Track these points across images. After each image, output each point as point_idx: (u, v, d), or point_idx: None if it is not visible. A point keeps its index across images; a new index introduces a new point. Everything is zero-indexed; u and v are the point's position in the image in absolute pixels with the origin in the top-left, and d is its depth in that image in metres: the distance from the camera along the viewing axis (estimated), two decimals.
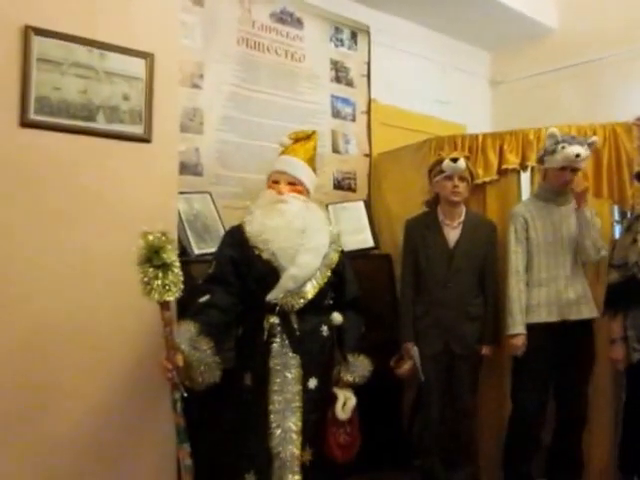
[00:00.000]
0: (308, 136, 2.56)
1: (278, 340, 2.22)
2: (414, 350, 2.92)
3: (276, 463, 2.17)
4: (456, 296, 2.93)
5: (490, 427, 3.14)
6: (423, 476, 3.02)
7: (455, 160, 2.91)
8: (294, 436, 2.18)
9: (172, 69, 2.51)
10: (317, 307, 2.31)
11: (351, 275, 2.49)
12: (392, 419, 3.31)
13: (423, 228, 3.04)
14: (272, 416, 2.18)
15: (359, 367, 2.34)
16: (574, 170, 2.83)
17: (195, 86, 3.22)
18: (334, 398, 2.29)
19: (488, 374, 3.08)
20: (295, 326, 2.24)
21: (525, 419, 2.89)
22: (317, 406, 2.26)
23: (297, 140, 2.53)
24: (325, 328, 2.33)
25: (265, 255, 2.25)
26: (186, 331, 2.06)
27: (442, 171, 2.94)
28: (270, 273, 2.24)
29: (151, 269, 1.89)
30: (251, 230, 2.30)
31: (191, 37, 3.20)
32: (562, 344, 2.83)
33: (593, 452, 3.01)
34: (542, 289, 2.87)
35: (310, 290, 2.27)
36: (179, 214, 2.75)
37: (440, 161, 2.97)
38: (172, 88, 2.52)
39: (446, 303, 2.92)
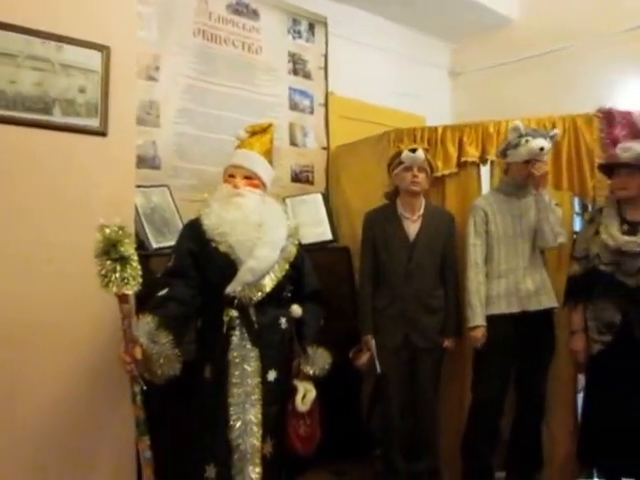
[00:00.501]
0: (264, 129, 2.56)
1: (237, 333, 2.23)
2: (372, 342, 2.94)
3: (236, 455, 2.18)
4: (417, 289, 2.94)
5: (451, 418, 3.16)
6: (384, 467, 3.05)
7: (414, 151, 2.92)
8: (254, 428, 2.20)
9: (129, 62, 2.50)
10: (276, 300, 2.33)
11: (309, 268, 2.51)
12: (352, 410, 3.33)
13: (383, 221, 3.04)
14: (232, 408, 2.19)
15: (319, 360, 2.36)
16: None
17: (151, 78, 3.19)
18: (294, 390, 2.31)
19: (449, 366, 3.10)
20: (254, 319, 2.26)
21: (485, 410, 2.90)
22: (277, 398, 2.28)
23: (253, 133, 2.52)
24: (284, 321, 2.34)
25: (223, 248, 2.26)
26: (145, 324, 2.06)
27: (401, 163, 2.95)
28: (228, 266, 2.25)
29: (109, 262, 1.91)
30: (209, 223, 2.29)
31: (147, 29, 3.16)
32: (522, 335, 2.85)
33: (554, 442, 3.05)
34: (501, 280, 2.88)
35: (268, 283, 2.28)
36: (136, 208, 2.74)
37: (399, 153, 2.98)
38: (129, 81, 2.51)
39: (407, 296, 2.93)
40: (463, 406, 3.08)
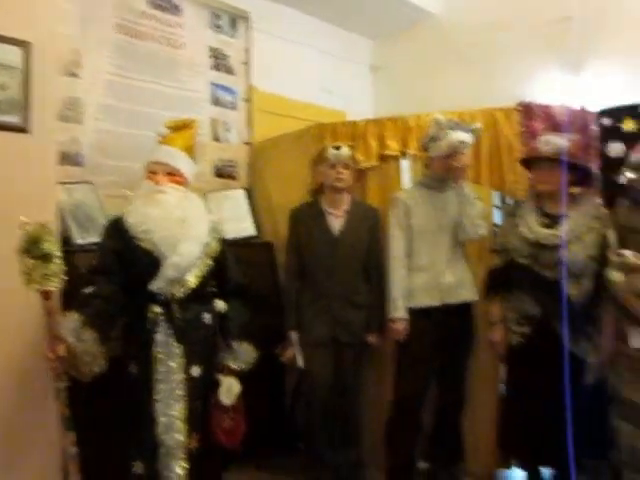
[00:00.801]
0: (186, 124, 2.57)
1: (161, 329, 2.26)
2: (294, 338, 2.98)
3: (162, 450, 2.22)
4: (341, 285, 2.96)
5: (373, 410, 3.20)
6: (307, 459, 3.09)
7: (338, 148, 2.96)
8: (179, 424, 2.23)
9: (50, 57, 2.48)
10: (199, 295, 2.35)
11: (232, 263, 2.54)
12: (276, 404, 3.38)
13: (307, 217, 3.05)
14: (157, 405, 2.22)
15: (243, 354, 2.42)
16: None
17: (73, 75, 3.16)
18: (218, 384, 2.35)
19: (372, 359, 3.14)
20: (177, 315, 2.28)
21: (406, 402, 2.91)
22: (202, 393, 2.32)
23: (175, 129, 2.52)
24: (207, 316, 2.37)
25: (146, 245, 2.28)
26: (70, 322, 2.09)
27: (325, 159, 2.98)
28: (152, 263, 2.27)
29: (31, 260, 1.94)
30: (132, 221, 2.31)
31: (68, 24, 3.11)
32: (443, 328, 2.86)
33: (476, 432, 3.08)
34: (422, 274, 2.89)
35: (192, 279, 2.32)
36: (60, 204, 2.72)
37: (324, 150, 3.01)
38: (50, 77, 2.50)
39: (332, 292, 2.95)
40: (385, 399, 3.10)
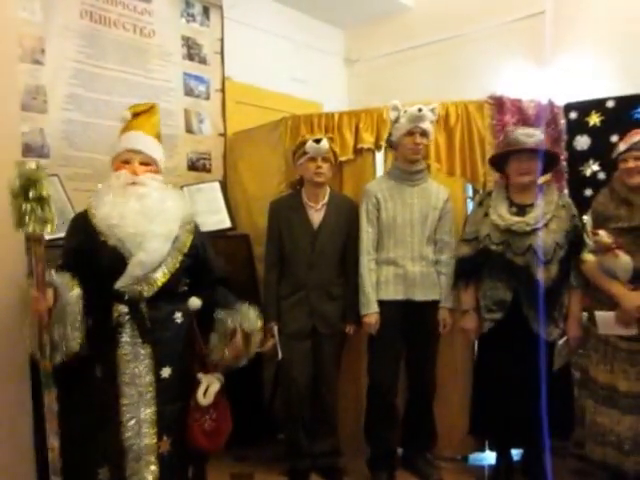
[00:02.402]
0: (150, 108, 2.39)
1: (127, 330, 2.14)
2: (275, 330, 2.96)
3: (130, 455, 2.11)
4: (320, 277, 2.97)
5: (349, 400, 3.23)
6: (287, 449, 3.09)
7: (318, 141, 2.91)
8: (148, 428, 2.13)
9: (10, 44, 2.39)
10: (170, 294, 2.23)
11: (212, 254, 2.42)
12: (253, 395, 3.34)
13: (287, 210, 3.04)
14: (124, 408, 2.11)
15: (250, 318, 2.32)
16: (423, 135, 2.90)
17: (36, 62, 3.03)
18: (197, 384, 2.23)
19: (348, 350, 3.15)
20: (145, 315, 2.16)
21: (380, 391, 2.98)
22: (175, 395, 2.21)
23: (138, 114, 2.35)
24: (179, 315, 2.25)
25: (111, 242, 2.14)
26: (61, 276, 2.04)
27: (305, 153, 2.93)
28: (117, 260, 2.13)
29: (27, 202, 1.87)
30: (97, 215, 2.17)
31: (30, 9, 2.99)
32: (410, 320, 2.95)
33: (450, 418, 3.16)
34: (390, 268, 2.95)
35: (160, 277, 2.18)
36: None
37: (303, 143, 2.96)
38: (11, 64, 2.41)
39: (310, 284, 2.96)
40: (361, 389, 3.16)
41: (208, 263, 2.39)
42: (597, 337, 2.63)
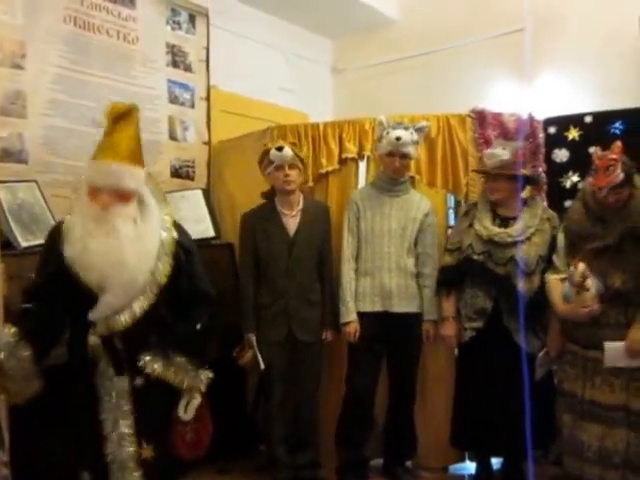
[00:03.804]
0: (128, 114, 2.10)
1: (103, 359, 2.09)
2: (253, 340, 2.94)
3: (114, 466, 2.08)
4: (297, 284, 2.96)
5: (330, 411, 3.17)
6: (269, 461, 3.07)
7: (280, 149, 2.89)
8: (129, 437, 2.09)
9: None
10: (146, 324, 2.11)
11: (197, 270, 2.28)
12: (236, 406, 3.32)
13: (262, 220, 3.02)
14: (104, 422, 2.08)
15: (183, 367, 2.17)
16: (403, 157, 2.92)
17: (17, 66, 3.00)
18: (179, 397, 2.19)
19: (327, 359, 3.14)
20: (119, 347, 2.10)
21: (356, 401, 2.98)
22: (152, 403, 2.16)
23: (116, 120, 2.07)
24: (155, 339, 2.14)
25: (83, 277, 2.03)
26: (5, 336, 1.94)
27: (271, 162, 2.92)
28: (89, 294, 2.04)
29: None
30: (69, 251, 2.04)
31: (11, 13, 2.96)
32: (389, 331, 2.96)
33: (432, 428, 3.17)
34: (367, 278, 2.97)
35: (132, 313, 2.07)
36: (1, 204, 2.58)
37: (267, 152, 2.95)
38: None
39: (289, 292, 2.94)
40: (341, 398, 3.11)
41: (189, 280, 2.25)
42: (575, 352, 2.61)
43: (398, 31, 4.75)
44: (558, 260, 2.63)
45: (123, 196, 2.05)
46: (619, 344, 2.45)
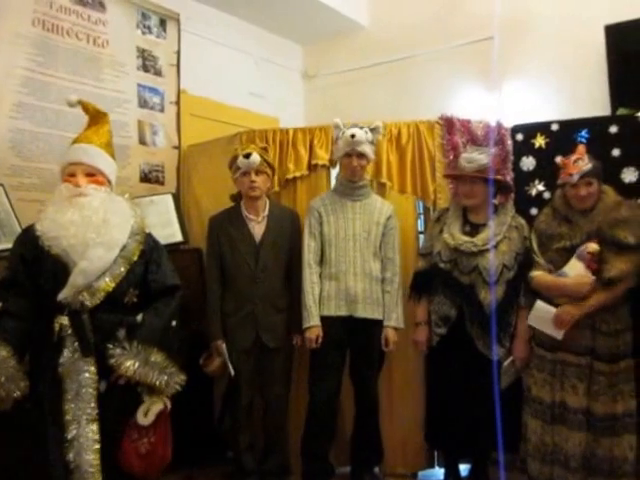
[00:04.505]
0: (99, 115, 2.39)
1: (69, 343, 2.08)
2: (222, 347, 2.91)
3: (75, 475, 2.04)
4: (265, 290, 2.94)
5: (301, 417, 3.14)
6: (235, 468, 3.05)
7: (248, 156, 2.87)
8: (92, 444, 2.05)
9: None
10: (115, 306, 2.17)
11: (164, 263, 2.35)
12: (203, 414, 3.29)
13: (228, 224, 3.00)
14: (67, 426, 2.05)
15: (154, 366, 2.15)
16: (360, 157, 2.91)
17: None
18: (139, 401, 2.17)
19: (299, 365, 3.13)
20: (87, 327, 2.10)
21: (318, 408, 2.94)
22: (115, 410, 2.15)
23: (93, 118, 2.37)
24: (122, 333, 2.16)
25: (55, 252, 2.11)
26: None
27: (239, 167, 2.92)
28: (61, 271, 2.10)
29: None
30: (42, 228, 2.14)
31: None
32: (353, 336, 2.94)
33: (401, 433, 3.17)
34: (332, 283, 2.94)
35: (104, 286, 2.12)
36: None
37: (235, 157, 2.94)
38: None
39: (256, 298, 2.92)
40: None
41: (156, 271, 2.31)
42: (542, 356, 2.66)
43: (368, 38, 4.77)
44: (538, 258, 2.67)
45: (96, 180, 2.22)
46: (551, 308, 2.57)
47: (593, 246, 2.51)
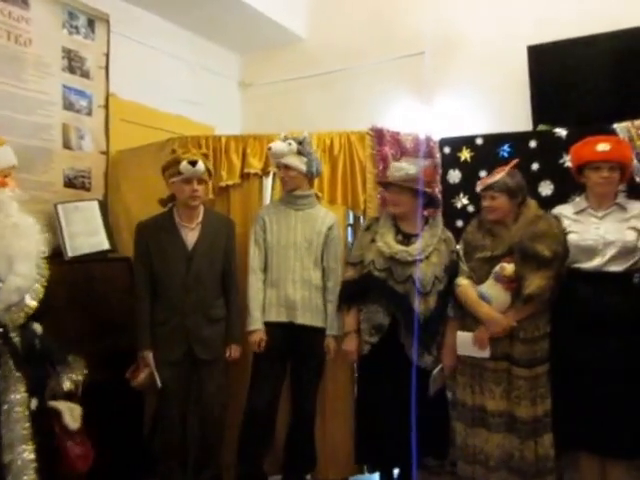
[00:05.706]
0: None
1: (1, 361, 1.99)
2: (150, 357, 2.81)
3: None
4: (197, 300, 2.86)
5: (234, 426, 3.10)
6: None
7: (194, 163, 2.79)
8: (30, 464, 1.97)
9: None
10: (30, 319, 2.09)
11: None
12: (133, 430, 3.15)
13: (158, 231, 2.90)
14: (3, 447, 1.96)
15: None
16: (286, 168, 2.97)
17: None
18: (57, 412, 2.12)
19: (237, 376, 3.09)
20: (16, 344, 2.02)
21: (255, 416, 2.94)
22: (46, 427, 2.09)
23: None
24: (37, 342, 2.11)
25: None
26: None
27: (180, 173, 2.81)
28: None
29: None
30: None
31: None
32: (293, 344, 2.95)
33: (333, 441, 3.19)
34: (273, 289, 2.97)
35: (32, 302, 2.04)
36: None
37: (177, 161, 2.83)
38: None
39: (187, 308, 2.84)
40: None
41: None
42: (464, 361, 2.78)
43: (305, 49, 4.83)
44: (463, 265, 2.80)
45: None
46: (468, 334, 2.72)
47: (508, 269, 2.62)
